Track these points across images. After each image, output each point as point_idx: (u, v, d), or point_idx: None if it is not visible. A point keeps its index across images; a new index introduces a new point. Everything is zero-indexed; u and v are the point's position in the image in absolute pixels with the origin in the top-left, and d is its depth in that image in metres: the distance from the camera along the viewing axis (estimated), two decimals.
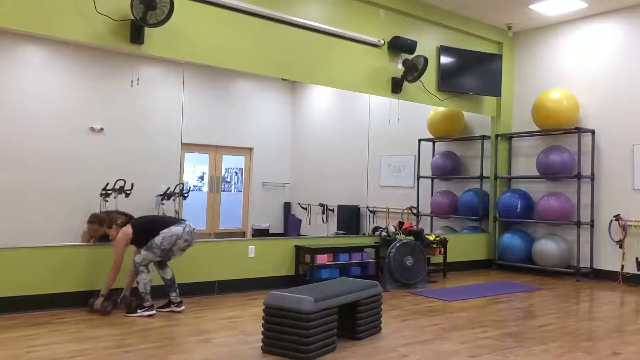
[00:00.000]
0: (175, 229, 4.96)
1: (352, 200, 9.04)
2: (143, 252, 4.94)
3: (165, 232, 4.94)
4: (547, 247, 7.92)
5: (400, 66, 7.58)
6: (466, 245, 8.53)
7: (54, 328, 4.38)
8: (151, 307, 4.87)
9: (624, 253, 7.45)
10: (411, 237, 7.06)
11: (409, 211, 8.87)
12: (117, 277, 4.91)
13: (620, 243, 7.44)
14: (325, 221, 9.40)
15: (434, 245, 7.44)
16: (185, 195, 7.84)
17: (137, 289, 4.89)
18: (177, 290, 5.09)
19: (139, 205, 7.28)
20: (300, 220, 9.62)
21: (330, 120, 9.88)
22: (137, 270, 4.91)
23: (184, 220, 5.13)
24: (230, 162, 9.64)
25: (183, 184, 7.77)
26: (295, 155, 10.00)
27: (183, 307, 5.09)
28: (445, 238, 7.70)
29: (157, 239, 4.92)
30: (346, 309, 4.18)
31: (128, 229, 4.99)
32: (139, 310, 4.84)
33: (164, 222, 5.06)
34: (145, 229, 5.00)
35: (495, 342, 4.31)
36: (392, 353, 3.94)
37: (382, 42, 7.39)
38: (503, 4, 7.81)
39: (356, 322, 4.21)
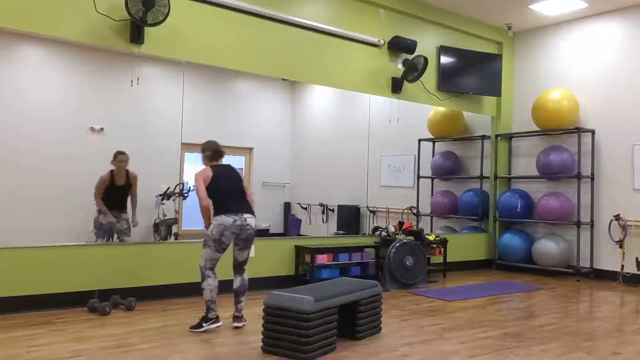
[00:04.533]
0: (225, 219, 4.41)
1: (352, 200, 9.04)
2: (203, 251, 4.45)
3: (217, 220, 4.41)
4: (547, 247, 7.92)
5: (400, 66, 7.58)
6: (466, 245, 8.53)
7: (54, 328, 4.38)
8: (217, 319, 4.41)
9: (624, 253, 7.45)
10: (411, 237, 7.06)
11: (409, 211, 8.87)
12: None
13: (620, 243, 7.44)
14: (325, 221, 9.40)
15: (434, 245, 7.44)
16: (185, 195, 7.83)
17: (203, 297, 4.40)
18: (239, 305, 4.56)
19: (139, 205, 7.27)
20: (300, 220, 9.62)
21: (331, 120, 9.88)
22: (203, 276, 4.42)
23: (243, 212, 4.48)
24: (230, 162, 9.63)
25: (183, 184, 7.76)
26: (295, 155, 10.00)
27: (242, 324, 4.54)
28: (445, 238, 7.70)
29: (210, 228, 4.43)
30: (346, 309, 4.18)
31: (208, 171, 4.57)
32: (204, 324, 4.36)
33: (227, 201, 4.47)
34: (216, 194, 4.50)
35: (495, 342, 4.31)
36: (392, 353, 3.94)
37: (382, 42, 7.38)
38: (503, 4, 7.81)
39: (356, 322, 4.21)
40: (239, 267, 4.63)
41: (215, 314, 4.43)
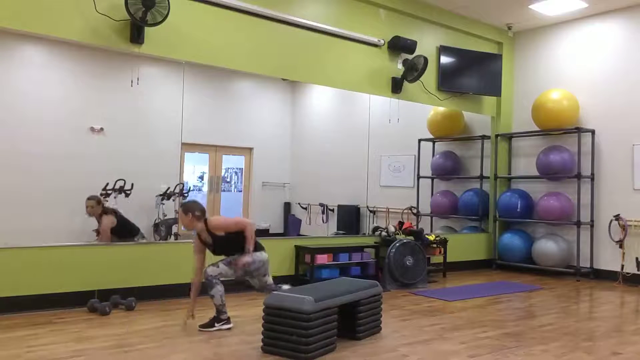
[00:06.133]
0: (265, 255, 4.64)
1: (352, 200, 9.05)
2: (222, 266, 4.50)
3: (257, 256, 4.57)
4: (547, 247, 7.92)
5: (400, 66, 7.58)
6: (466, 245, 8.52)
7: (54, 328, 4.38)
8: (229, 320, 4.53)
9: (624, 253, 7.45)
10: (411, 237, 7.06)
11: (409, 211, 8.87)
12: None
13: (620, 243, 7.43)
14: (325, 221, 9.40)
15: (434, 245, 7.44)
16: (185, 195, 7.84)
17: (213, 302, 4.48)
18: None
19: (139, 205, 7.28)
20: (300, 220, 9.63)
21: (331, 120, 9.88)
22: (211, 284, 4.45)
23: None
24: (230, 162, 9.64)
25: (183, 184, 7.77)
26: (295, 155, 10.01)
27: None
28: (445, 238, 7.70)
29: (248, 260, 4.52)
30: (346, 309, 4.18)
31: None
32: (216, 324, 4.47)
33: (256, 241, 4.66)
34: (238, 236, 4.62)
35: (495, 342, 4.31)
36: (392, 353, 3.94)
37: (382, 42, 7.39)
38: (503, 4, 7.81)
39: (356, 322, 4.21)
40: (265, 285, 4.75)
41: (227, 315, 4.52)
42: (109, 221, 6.11)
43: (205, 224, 4.55)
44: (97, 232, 6.24)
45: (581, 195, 7.84)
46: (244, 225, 4.53)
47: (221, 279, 4.49)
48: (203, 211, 4.64)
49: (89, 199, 6.24)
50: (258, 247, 4.63)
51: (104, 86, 7.61)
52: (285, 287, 4.76)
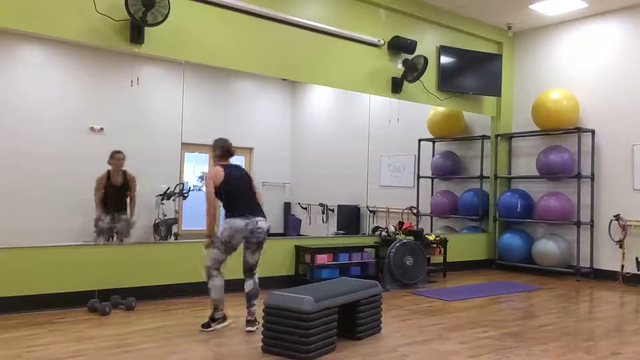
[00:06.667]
0: (237, 223, 4.36)
1: (352, 200, 9.04)
2: (210, 253, 4.39)
3: (227, 223, 4.35)
4: (547, 247, 7.92)
5: (400, 66, 7.58)
6: (466, 245, 8.52)
7: (54, 328, 4.38)
8: (224, 319, 4.45)
9: (624, 253, 7.45)
10: (411, 237, 7.06)
11: (409, 211, 8.87)
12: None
13: (620, 243, 7.43)
14: (325, 221, 9.40)
15: (434, 245, 7.44)
16: (185, 195, 7.84)
17: (210, 296, 4.38)
18: (251, 308, 4.45)
19: (139, 205, 7.27)
20: (300, 220, 9.62)
21: (331, 120, 9.88)
22: (209, 276, 4.37)
23: (255, 215, 4.44)
24: (231, 162, 9.62)
25: (183, 184, 7.76)
26: (295, 155, 10.00)
27: (255, 328, 4.39)
28: (445, 238, 7.70)
29: (220, 230, 4.37)
30: (346, 309, 4.18)
31: (220, 171, 4.43)
32: (212, 324, 4.40)
33: (240, 204, 4.42)
34: (227, 196, 4.42)
35: (495, 342, 4.31)
36: (392, 353, 3.94)
37: (382, 42, 7.39)
38: (503, 4, 7.81)
39: (356, 322, 4.21)
40: (249, 270, 4.54)
41: (222, 314, 4.46)
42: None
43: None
44: (98, 231, 6.25)
45: (581, 195, 7.84)
46: (206, 201, 4.39)
47: (217, 266, 4.39)
48: (219, 156, 4.55)
49: (118, 152, 6.46)
50: (234, 214, 4.37)
51: (104, 86, 7.60)
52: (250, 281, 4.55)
